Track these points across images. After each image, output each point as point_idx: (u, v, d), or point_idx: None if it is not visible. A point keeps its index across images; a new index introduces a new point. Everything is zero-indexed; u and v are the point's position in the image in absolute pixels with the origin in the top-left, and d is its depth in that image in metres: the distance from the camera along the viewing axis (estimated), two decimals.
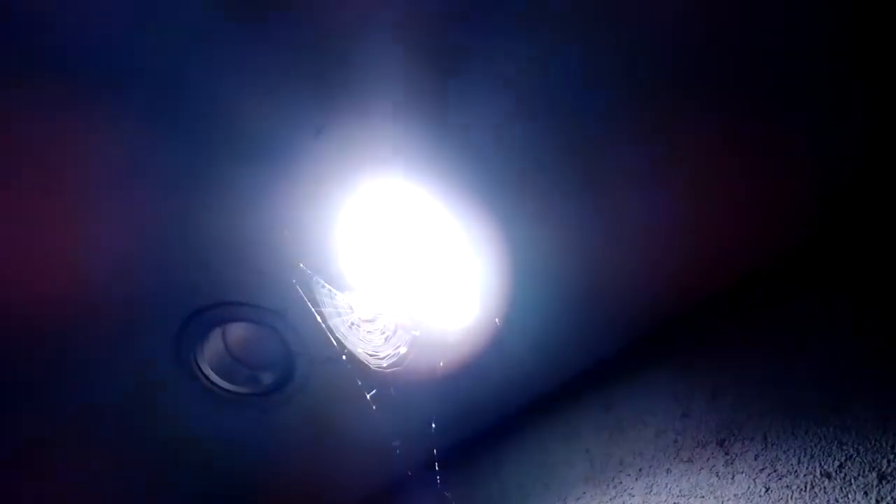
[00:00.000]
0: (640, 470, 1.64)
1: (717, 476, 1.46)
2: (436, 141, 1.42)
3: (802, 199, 1.58)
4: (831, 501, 1.22)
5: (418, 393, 1.93)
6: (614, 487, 1.67)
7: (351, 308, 1.72)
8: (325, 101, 1.32)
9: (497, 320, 1.78)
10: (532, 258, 1.65)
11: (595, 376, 1.95)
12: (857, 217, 1.57)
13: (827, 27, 1.27)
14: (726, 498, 1.41)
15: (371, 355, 1.75)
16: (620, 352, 1.92)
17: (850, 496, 1.20)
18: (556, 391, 2.03)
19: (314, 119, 1.35)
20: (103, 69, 1.19)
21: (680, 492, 1.51)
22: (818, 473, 1.28)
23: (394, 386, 1.88)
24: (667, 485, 1.55)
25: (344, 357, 1.77)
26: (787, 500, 1.29)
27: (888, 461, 1.19)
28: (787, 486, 1.31)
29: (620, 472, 1.69)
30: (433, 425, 2.01)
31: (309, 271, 1.62)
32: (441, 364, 1.87)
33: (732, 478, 1.43)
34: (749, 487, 1.38)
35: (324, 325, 1.69)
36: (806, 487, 1.28)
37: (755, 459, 1.41)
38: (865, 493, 1.18)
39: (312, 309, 1.66)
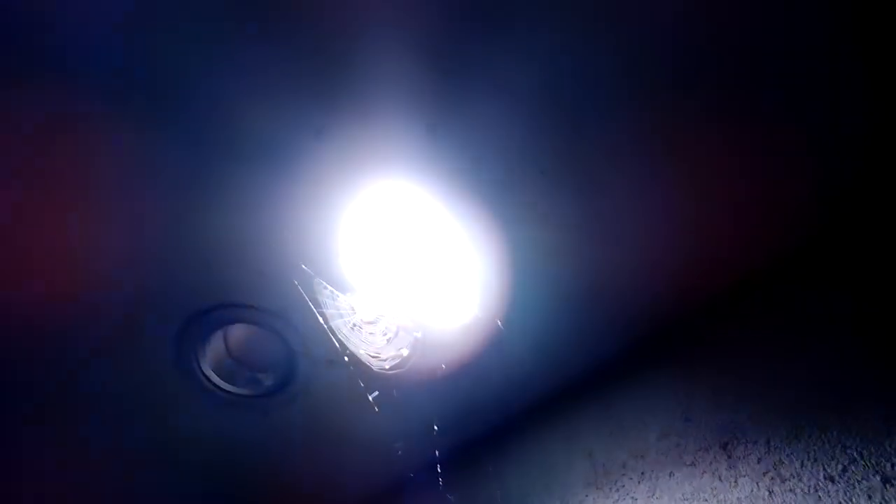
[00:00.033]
0: (643, 473, 1.63)
1: (720, 479, 1.44)
2: (436, 141, 1.42)
3: (802, 199, 1.57)
4: None
5: (420, 394, 1.92)
6: (617, 491, 1.66)
7: (353, 309, 1.72)
8: (325, 102, 1.33)
9: (498, 321, 1.77)
10: (533, 259, 1.64)
11: (596, 378, 1.94)
12: (858, 217, 1.55)
13: (827, 27, 1.26)
14: (729, 502, 1.39)
15: (373, 357, 1.75)
16: (621, 353, 1.91)
17: (854, 500, 1.18)
18: (557, 392, 2.02)
19: (315, 120, 1.35)
20: (104, 70, 1.19)
21: (683, 495, 1.50)
22: (822, 477, 1.26)
23: (396, 387, 1.88)
24: (670, 488, 1.54)
25: (346, 359, 1.77)
26: None
27: (892, 464, 1.17)
28: (791, 490, 1.30)
29: (623, 475, 1.67)
30: (435, 427, 2.01)
31: (311, 272, 1.62)
32: (443, 366, 1.86)
33: (735, 481, 1.41)
34: (752, 491, 1.36)
35: (326, 327, 1.69)
36: (809, 491, 1.26)
37: (758, 463, 1.39)
38: (870, 496, 1.16)
39: (314, 310, 1.67)
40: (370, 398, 1.88)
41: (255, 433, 1.93)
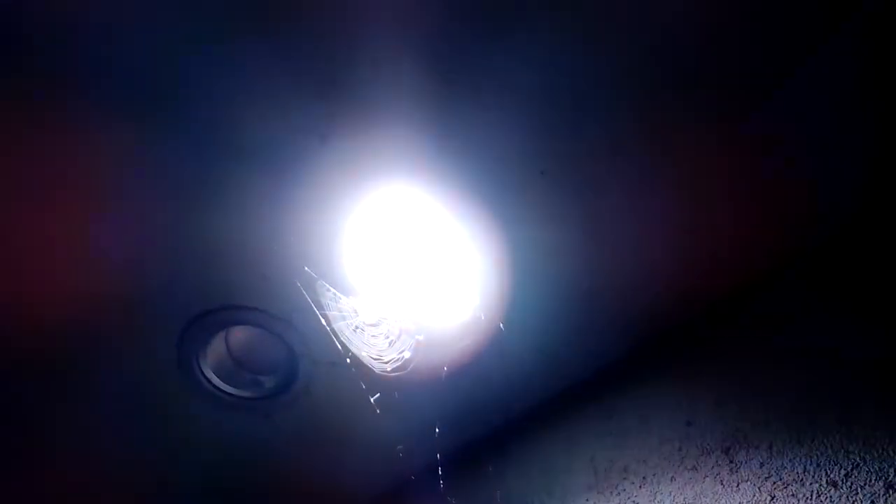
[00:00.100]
0: (644, 478, 1.61)
1: (722, 484, 1.43)
2: (438, 145, 1.42)
3: (803, 200, 1.56)
4: None
5: (422, 397, 1.92)
6: (618, 495, 1.65)
7: (355, 312, 1.72)
8: (328, 105, 1.34)
9: (501, 325, 1.77)
10: (533, 260, 1.64)
11: (597, 380, 1.93)
12: (860, 218, 1.53)
13: (827, 27, 1.25)
14: None
15: (375, 359, 1.75)
16: (622, 355, 1.90)
17: None
18: (558, 394, 2.02)
19: (319, 125, 1.36)
20: (106, 71, 1.21)
21: (684, 500, 1.48)
22: (824, 482, 1.24)
23: (397, 389, 1.87)
24: (671, 493, 1.52)
25: (348, 361, 1.77)
26: None
27: (895, 470, 1.15)
28: (793, 495, 1.28)
29: (624, 478, 1.66)
30: (437, 430, 2.00)
31: (314, 275, 1.62)
32: (444, 367, 1.86)
33: (737, 486, 1.39)
34: (754, 496, 1.35)
35: (328, 329, 1.69)
36: (812, 496, 1.25)
37: (760, 468, 1.38)
38: (872, 502, 1.15)
39: (317, 312, 1.67)
40: (372, 400, 1.87)
41: (256, 435, 1.93)
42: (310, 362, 1.81)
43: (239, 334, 1.82)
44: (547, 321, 1.78)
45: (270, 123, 1.35)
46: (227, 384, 1.82)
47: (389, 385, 1.84)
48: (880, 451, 1.20)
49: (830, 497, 1.22)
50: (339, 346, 1.73)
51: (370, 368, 1.75)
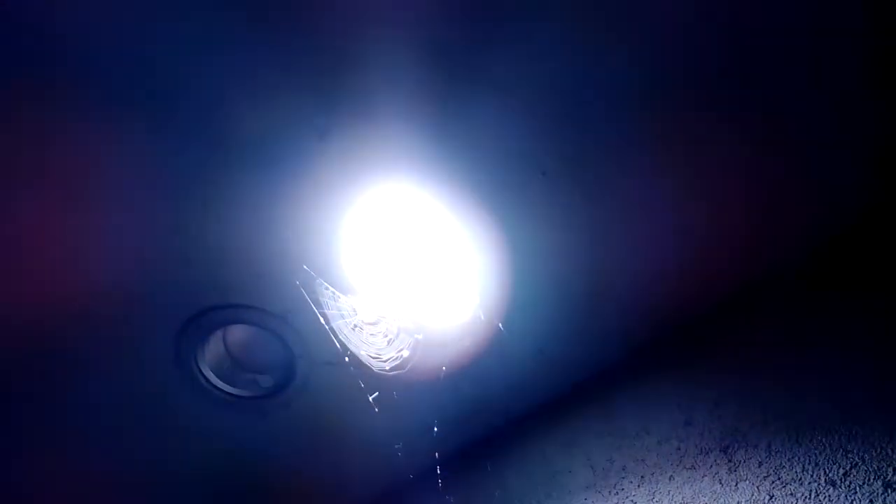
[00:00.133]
0: (643, 477, 1.62)
1: (721, 483, 1.43)
2: (438, 143, 1.42)
3: (804, 201, 1.56)
4: None
5: (420, 395, 1.92)
6: (616, 494, 1.65)
7: (354, 310, 1.72)
8: (327, 105, 1.33)
9: (500, 324, 1.77)
10: (533, 260, 1.64)
11: (596, 380, 1.93)
12: (862, 220, 1.54)
13: (829, 27, 1.25)
14: None
15: (374, 358, 1.75)
16: (621, 355, 1.90)
17: None
18: (556, 394, 2.02)
19: (317, 121, 1.35)
20: (105, 71, 1.20)
21: (683, 499, 1.49)
22: (823, 481, 1.25)
23: (396, 388, 1.87)
24: (669, 492, 1.53)
25: (346, 359, 1.77)
26: None
27: (894, 469, 1.16)
28: (792, 494, 1.28)
29: (623, 478, 1.66)
30: (435, 429, 2.00)
31: (312, 273, 1.62)
32: (443, 367, 1.86)
33: (736, 485, 1.40)
34: (753, 495, 1.35)
35: (327, 328, 1.69)
36: (810, 495, 1.25)
37: (759, 467, 1.38)
38: (871, 501, 1.15)
39: (316, 311, 1.66)
40: (370, 399, 1.87)
41: (253, 434, 1.93)
42: (306, 361, 1.80)
43: (237, 333, 1.81)
44: (546, 321, 1.78)
45: (268, 120, 1.34)
46: (225, 383, 1.81)
47: (388, 384, 1.84)
48: (879, 450, 1.20)
49: (829, 496, 1.22)
50: (338, 345, 1.73)
51: (369, 367, 1.75)
